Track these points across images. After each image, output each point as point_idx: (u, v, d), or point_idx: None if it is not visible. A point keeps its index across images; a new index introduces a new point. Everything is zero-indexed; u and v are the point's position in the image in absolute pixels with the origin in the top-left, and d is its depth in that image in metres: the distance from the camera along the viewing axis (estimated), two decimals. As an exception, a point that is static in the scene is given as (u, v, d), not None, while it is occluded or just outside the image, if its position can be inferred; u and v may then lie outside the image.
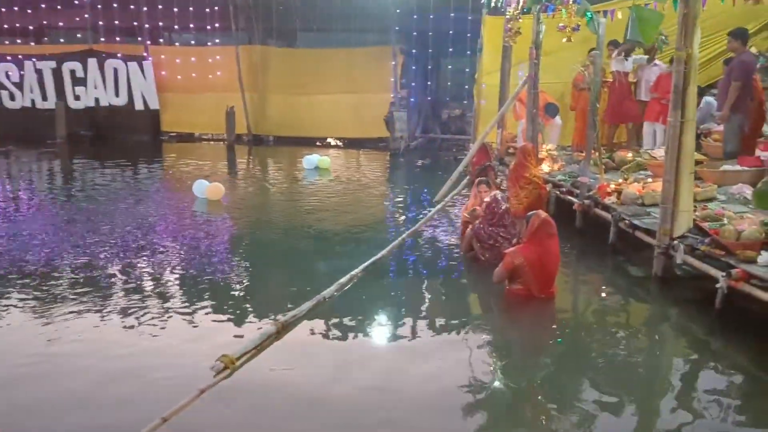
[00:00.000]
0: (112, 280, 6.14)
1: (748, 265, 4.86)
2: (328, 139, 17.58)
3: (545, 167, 9.21)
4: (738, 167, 7.50)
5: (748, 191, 6.87)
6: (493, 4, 10.38)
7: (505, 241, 6.37)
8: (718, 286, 4.92)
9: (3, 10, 16.85)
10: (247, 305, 5.52)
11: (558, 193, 8.49)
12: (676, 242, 5.66)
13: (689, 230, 5.71)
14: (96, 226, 8.10)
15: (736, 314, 4.97)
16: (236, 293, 5.91)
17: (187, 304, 5.51)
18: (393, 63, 16.21)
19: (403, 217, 9.17)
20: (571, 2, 7.55)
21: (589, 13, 8.14)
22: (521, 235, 6.39)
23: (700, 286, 5.59)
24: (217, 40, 17.36)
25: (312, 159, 13.02)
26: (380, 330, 5.12)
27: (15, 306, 5.42)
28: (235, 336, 4.80)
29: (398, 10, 15.78)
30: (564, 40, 8.06)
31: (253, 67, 16.95)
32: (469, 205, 7.55)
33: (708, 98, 9.77)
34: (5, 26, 17.09)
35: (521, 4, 9.53)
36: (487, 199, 7.00)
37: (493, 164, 10.05)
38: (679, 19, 5.50)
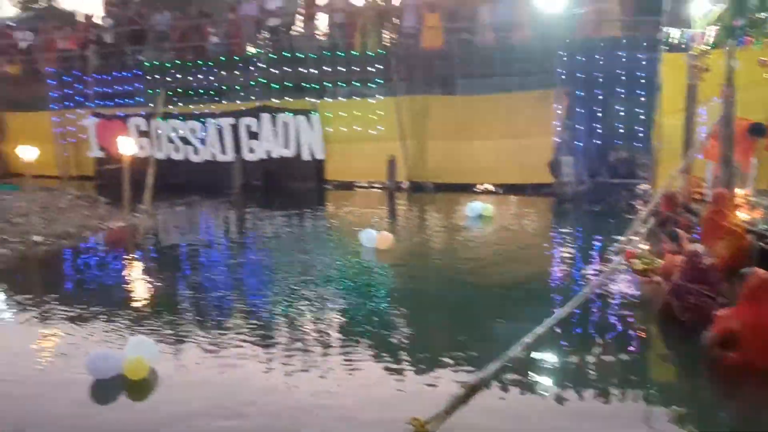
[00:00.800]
0: (280, 330, 6.27)
1: None
2: (486, 185, 17.26)
3: (743, 215, 8.22)
4: None
5: None
6: (673, 41, 9.66)
7: (712, 300, 5.64)
8: None
9: (191, 78, 18.76)
10: (431, 363, 5.29)
11: (763, 245, 7.50)
12: None
13: None
14: (268, 275, 8.42)
15: None
16: (416, 349, 5.72)
17: (369, 361, 5.44)
18: (556, 106, 15.67)
19: (578, 270, 8.57)
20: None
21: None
22: (728, 293, 5.69)
23: None
24: (379, 93, 17.88)
25: (476, 207, 12.73)
26: (568, 397, 4.67)
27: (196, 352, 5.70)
28: (418, 395, 4.60)
29: (563, 55, 15.28)
30: (766, 75, 7.25)
31: (412, 115, 17.18)
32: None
33: None
34: (192, 89, 18.96)
35: (709, 39, 8.78)
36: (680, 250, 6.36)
37: (676, 214, 9.16)
38: None
